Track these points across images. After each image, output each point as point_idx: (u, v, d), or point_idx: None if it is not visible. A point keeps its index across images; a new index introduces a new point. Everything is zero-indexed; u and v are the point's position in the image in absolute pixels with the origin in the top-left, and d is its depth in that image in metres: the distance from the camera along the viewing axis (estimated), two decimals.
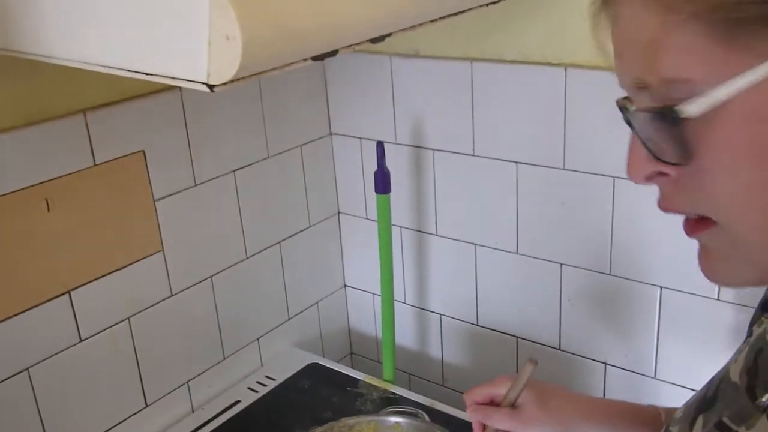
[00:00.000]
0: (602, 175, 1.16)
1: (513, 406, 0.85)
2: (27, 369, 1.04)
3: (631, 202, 1.15)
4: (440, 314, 1.49)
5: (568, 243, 1.25)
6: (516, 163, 1.25)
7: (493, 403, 0.87)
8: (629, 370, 1.26)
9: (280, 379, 1.38)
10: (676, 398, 0.83)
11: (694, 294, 1.14)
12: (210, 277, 1.29)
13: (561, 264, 1.27)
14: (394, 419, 0.99)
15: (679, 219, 0.52)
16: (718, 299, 1.13)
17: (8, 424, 1.03)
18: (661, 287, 1.17)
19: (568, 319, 1.31)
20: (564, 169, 1.20)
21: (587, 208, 1.20)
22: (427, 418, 0.99)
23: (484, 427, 0.88)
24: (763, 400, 0.50)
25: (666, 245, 1.14)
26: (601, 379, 1.30)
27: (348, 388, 1.35)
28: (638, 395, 1.26)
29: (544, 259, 1.29)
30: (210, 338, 1.32)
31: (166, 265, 1.21)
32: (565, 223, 1.24)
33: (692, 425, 0.57)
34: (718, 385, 0.57)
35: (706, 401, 0.58)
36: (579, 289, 1.27)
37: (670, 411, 0.85)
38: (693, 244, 0.53)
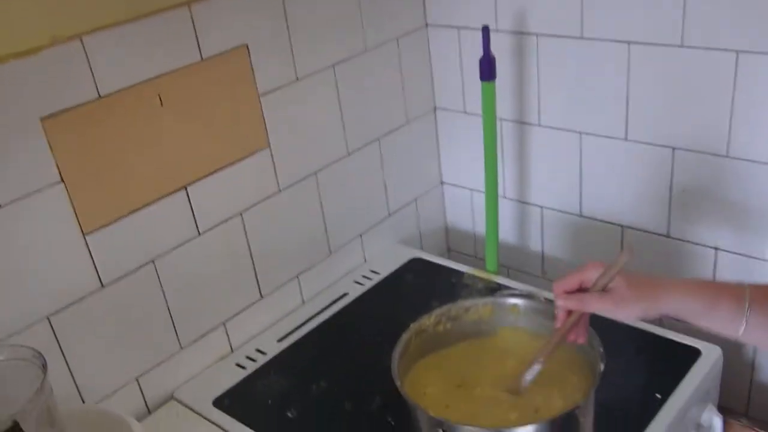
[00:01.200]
0: (724, 50, 1.10)
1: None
2: (153, 261, 1.08)
3: (754, 79, 1.09)
4: (541, 206, 1.47)
5: (682, 126, 1.20)
6: (628, 43, 1.19)
7: (581, 290, 0.87)
8: (741, 254, 1.23)
9: (384, 273, 1.40)
10: None
11: None
12: (314, 173, 1.30)
13: (673, 148, 1.23)
14: (511, 300, 0.99)
15: None
16: None
17: (140, 311, 1.08)
18: None
19: (678, 206, 1.27)
20: (681, 46, 1.14)
21: (706, 87, 1.15)
22: (543, 298, 0.98)
23: (569, 313, 0.88)
24: None
25: None
26: (711, 264, 1.27)
27: (452, 280, 1.36)
28: (752, 279, 1.23)
29: (655, 144, 1.24)
30: (317, 234, 1.34)
31: (273, 161, 1.22)
32: (680, 105, 1.19)
33: None
34: None
35: None
36: (691, 174, 1.23)
37: (762, 289, 0.83)
38: None
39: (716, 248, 1.26)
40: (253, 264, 1.23)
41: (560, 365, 0.93)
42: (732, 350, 1.25)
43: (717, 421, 1.09)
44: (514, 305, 0.99)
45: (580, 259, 1.46)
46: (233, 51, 1.12)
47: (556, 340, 0.89)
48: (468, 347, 1.00)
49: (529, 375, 0.90)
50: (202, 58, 1.08)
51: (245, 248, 1.21)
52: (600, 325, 0.92)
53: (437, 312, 0.98)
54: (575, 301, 0.86)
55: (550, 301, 0.96)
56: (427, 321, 0.98)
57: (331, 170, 1.34)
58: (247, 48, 1.13)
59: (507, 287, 1.29)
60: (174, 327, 1.14)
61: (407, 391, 0.89)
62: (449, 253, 1.69)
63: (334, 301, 1.34)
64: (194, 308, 1.16)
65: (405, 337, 0.94)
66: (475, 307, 1.00)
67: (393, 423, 1.01)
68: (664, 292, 0.83)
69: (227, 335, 1.23)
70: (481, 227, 1.55)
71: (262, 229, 1.23)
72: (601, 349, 0.87)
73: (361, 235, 1.44)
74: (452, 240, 1.68)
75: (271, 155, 1.21)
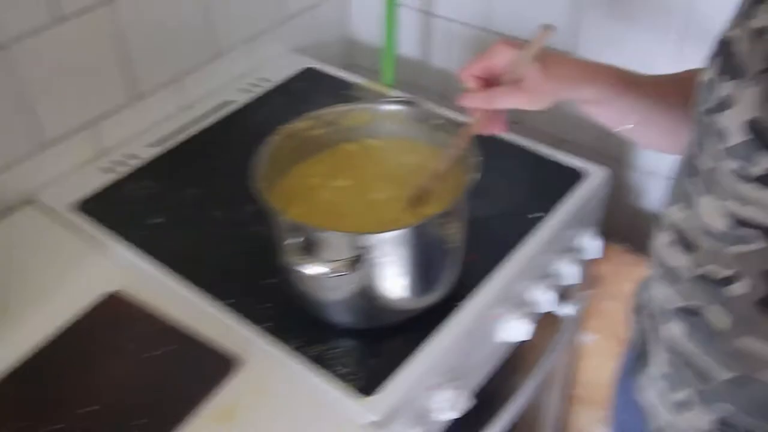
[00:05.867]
0: None
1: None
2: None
3: None
4: (448, 18, 1.38)
5: None
6: None
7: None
8: None
9: (274, 82, 1.31)
10: None
11: None
12: None
13: None
14: (393, 107, 0.92)
15: None
16: None
17: None
18: None
19: (590, 22, 1.20)
20: None
21: None
22: (430, 107, 0.92)
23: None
24: None
25: None
26: None
27: (344, 91, 1.28)
28: None
29: None
30: (201, 31, 1.23)
31: None
32: None
33: None
34: None
35: None
36: None
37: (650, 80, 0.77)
38: None
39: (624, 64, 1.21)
40: (127, 58, 1.12)
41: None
42: (620, 173, 1.24)
43: (595, 245, 1.09)
44: (397, 111, 0.93)
45: None
46: None
47: (453, 151, 0.81)
48: (346, 153, 0.94)
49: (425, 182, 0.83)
50: None
51: (117, 39, 1.09)
52: (485, 138, 0.87)
53: (310, 115, 0.91)
54: (481, 100, 0.75)
55: (439, 114, 0.91)
56: (299, 125, 0.91)
57: None
58: None
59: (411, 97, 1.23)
60: (34, 124, 1.04)
61: (274, 199, 0.84)
62: (351, 67, 1.60)
63: (217, 108, 1.25)
64: (59, 105, 1.06)
65: (273, 140, 0.87)
66: (353, 113, 0.93)
67: (259, 232, 0.97)
68: (586, 85, 0.75)
69: (96, 136, 1.13)
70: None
71: (136, 20, 1.11)
72: (480, 158, 0.82)
73: (253, 39, 1.33)
74: (356, 53, 1.58)
75: None
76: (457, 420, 0.90)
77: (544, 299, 1.00)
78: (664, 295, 0.70)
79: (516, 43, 0.75)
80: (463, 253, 0.89)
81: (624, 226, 1.32)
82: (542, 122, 1.34)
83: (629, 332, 0.83)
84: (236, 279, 0.93)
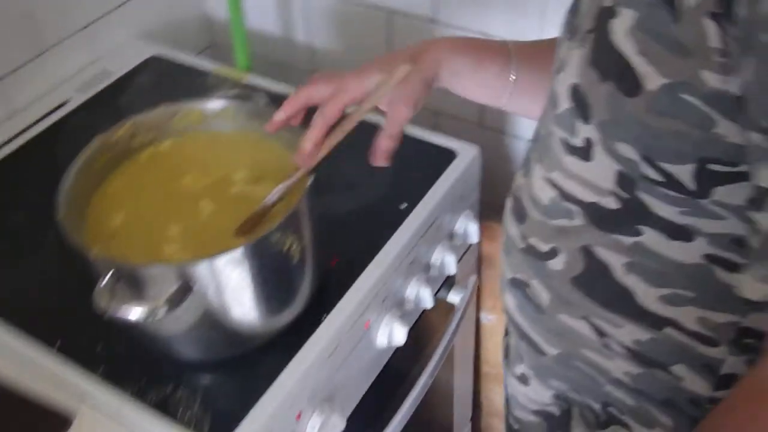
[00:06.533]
0: None
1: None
2: None
3: None
4: None
5: None
6: None
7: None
8: None
9: (116, 75, 1.17)
10: None
11: None
12: None
13: None
14: (223, 104, 0.81)
15: None
16: None
17: None
18: None
19: None
20: None
21: None
22: (265, 101, 0.81)
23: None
24: None
25: None
26: None
27: (197, 81, 1.15)
28: None
29: None
30: (20, 22, 1.07)
31: None
32: None
33: None
34: None
35: None
36: None
37: (524, 47, 0.74)
38: None
39: (485, 34, 1.12)
40: None
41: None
42: (492, 149, 1.16)
43: (472, 227, 1.01)
44: (226, 109, 0.81)
45: (350, 52, 1.29)
46: None
47: (289, 184, 0.71)
48: (171, 159, 0.81)
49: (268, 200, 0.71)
50: None
51: None
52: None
53: (129, 122, 0.79)
54: (388, 129, 0.69)
55: (271, 105, 0.80)
56: (116, 134, 0.78)
57: None
58: None
59: (261, 90, 1.11)
60: None
61: (91, 224, 0.72)
62: (211, 49, 1.46)
63: (50, 112, 1.10)
64: None
65: (85, 155, 0.75)
66: (181, 116, 0.81)
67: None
68: (429, 58, 0.72)
69: None
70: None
71: None
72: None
73: (86, 26, 1.18)
74: (216, 33, 1.44)
75: None
76: (364, 403, 0.83)
77: (421, 295, 0.92)
78: (503, 265, 0.69)
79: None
80: (321, 260, 0.79)
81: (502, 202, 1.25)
82: None
83: None
84: (65, 315, 0.81)
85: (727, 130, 0.46)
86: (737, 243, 0.51)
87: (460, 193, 0.97)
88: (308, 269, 0.76)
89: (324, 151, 0.70)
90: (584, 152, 0.53)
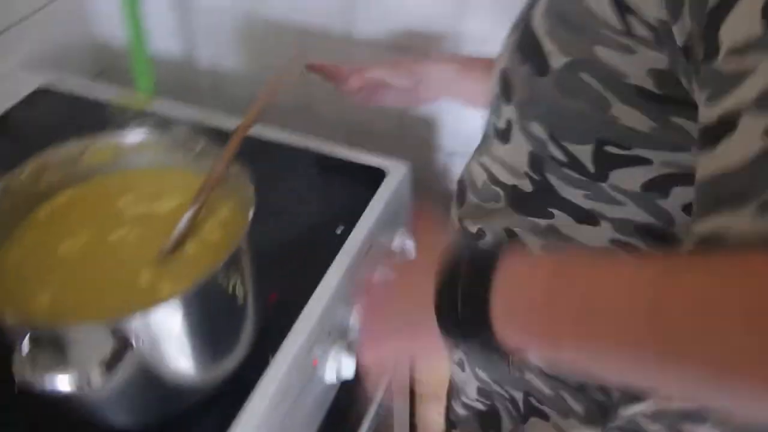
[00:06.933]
0: None
1: None
2: None
3: None
4: (207, 7, 1.19)
5: None
6: None
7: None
8: None
9: (0, 110, 1.06)
10: None
11: None
12: None
13: None
14: (140, 137, 0.73)
15: None
16: None
17: None
18: None
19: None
20: None
21: None
22: (185, 130, 0.75)
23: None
24: None
25: None
26: None
27: (96, 114, 1.06)
28: None
29: None
30: None
31: None
32: None
33: None
34: None
35: None
36: None
37: None
38: None
39: (401, 48, 1.09)
40: None
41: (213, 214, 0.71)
42: (420, 164, 1.13)
43: (409, 244, 0.97)
44: (144, 142, 0.74)
45: (256, 71, 1.23)
46: None
47: (212, 181, 0.68)
48: (82, 201, 0.73)
49: (180, 226, 0.68)
50: None
51: None
52: (269, 149, 0.71)
53: (34, 162, 0.70)
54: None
55: (195, 134, 0.73)
56: (21, 176, 0.69)
57: None
58: None
59: (164, 117, 1.03)
60: None
61: None
62: (104, 74, 1.36)
63: None
64: None
65: None
66: (92, 151, 0.73)
67: None
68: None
69: None
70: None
71: None
72: (252, 189, 0.66)
73: None
74: (107, 57, 1.35)
75: None
76: None
77: None
78: None
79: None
80: (260, 298, 0.73)
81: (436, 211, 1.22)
82: (332, 112, 1.20)
83: None
84: None
85: (621, 112, 0.48)
86: (643, 230, 0.53)
87: (393, 210, 0.93)
88: (251, 308, 0.70)
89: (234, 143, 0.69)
90: (505, 134, 0.57)
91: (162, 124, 0.76)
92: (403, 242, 0.96)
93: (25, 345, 0.56)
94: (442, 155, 1.18)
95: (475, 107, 0.77)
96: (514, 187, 0.58)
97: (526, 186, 0.57)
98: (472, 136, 0.69)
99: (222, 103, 1.21)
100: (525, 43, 0.53)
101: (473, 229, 0.63)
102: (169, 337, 0.61)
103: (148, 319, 0.58)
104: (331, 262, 0.83)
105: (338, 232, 0.86)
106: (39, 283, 0.65)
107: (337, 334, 0.83)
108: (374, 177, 0.93)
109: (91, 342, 0.57)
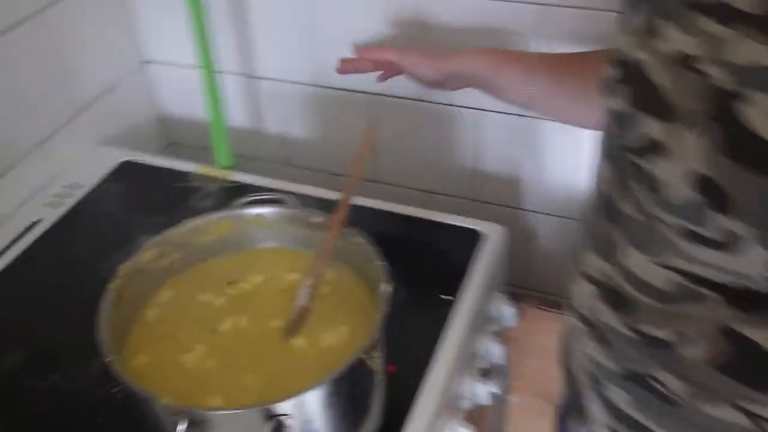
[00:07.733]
0: None
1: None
2: None
3: None
4: (272, 78, 1.21)
5: None
6: None
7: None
8: (507, 113, 1.08)
9: (86, 187, 1.07)
10: None
11: None
12: None
13: None
14: (253, 211, 0.73)
15: None
16: None
17: None
18: None
19: None
20: None
21: None
22: (294, 202, 0.74)
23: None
24: None
25: None
26: (471, 125, 1.12)
27: (178, 184, 1.07)
28: (526, 141, 1.09)
29: None
30: None
31: None
32: None
33: None
34: None
35: None
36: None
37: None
38: None
39: (482, 108, 1.09)
40: None
41: (337, 287, 0.71)
42: (512, 225, 1.12)
43: (508, 310, 0.95)
44: (258, 216, 0.74)
45: (328, 138, 1.24)
46: None
47: (326, 248, 0.68)
48: (209, 277, 0.73)
49: (301, 301, 0.67)
50: None
51: None
52: (363, 217, 0.71)
53: (154, 241, 0.70)
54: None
55: (305, 207, 0.73)
56: (144, 257, 0.69)
57: None
58: None
59: (249, 186, 1.04)
60: None
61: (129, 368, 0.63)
62: (170, 148, 1.38)
63: (21, 234, 0.99)
64: None
65: (114, 285, 0.66)
66: (207, 227, 0.73)
67: (119, 395, 0.74)
68: (455, 54, 0.83)
69: None
70: (202, 111, 1.24)
71: None
72: (385, 264, 0.65)
73: (43, 143, 1.08)
74: (171, 132, 1.36)
75: None
76: None
77: (483, 388, 0.85)
78: (597, 355, 0.61)
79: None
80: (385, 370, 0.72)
81: (524, 278, 1.21)
82: (407, 178, 1.20)
83: (559, 387, 0.72)
84: None
85: None
86: None
87: (492, 274, 0.92)
88: (381, 381, 0.69)
89: (343, 211, 0.69)
90: (724, 245, 0.48)
91: (271, 199, 0.76)
92: (501, 307, 0.95)
93: (181, 430, 0.55)
94: (528, 220, 1.17)
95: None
96: (735, 287, 0.50)
97: (760, 285, 0.49)
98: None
99: (297, 177, 1.22)
100: (744, 151, 0.44)
101: (667, 335, 0.55)
102: (319, 416, 0.59)
103: (302, 400, 0.57)
104: (443, 329, 0.82)
105: (441, 300, 0.85)
106: (173, 364, 0.64)
107: (454, 404, 0.81)
108: (471, 240, 0.93)
109: (245, 426, 0.56)
